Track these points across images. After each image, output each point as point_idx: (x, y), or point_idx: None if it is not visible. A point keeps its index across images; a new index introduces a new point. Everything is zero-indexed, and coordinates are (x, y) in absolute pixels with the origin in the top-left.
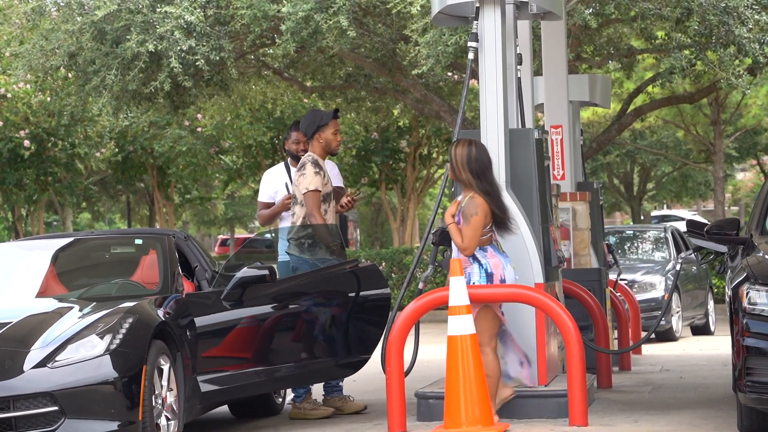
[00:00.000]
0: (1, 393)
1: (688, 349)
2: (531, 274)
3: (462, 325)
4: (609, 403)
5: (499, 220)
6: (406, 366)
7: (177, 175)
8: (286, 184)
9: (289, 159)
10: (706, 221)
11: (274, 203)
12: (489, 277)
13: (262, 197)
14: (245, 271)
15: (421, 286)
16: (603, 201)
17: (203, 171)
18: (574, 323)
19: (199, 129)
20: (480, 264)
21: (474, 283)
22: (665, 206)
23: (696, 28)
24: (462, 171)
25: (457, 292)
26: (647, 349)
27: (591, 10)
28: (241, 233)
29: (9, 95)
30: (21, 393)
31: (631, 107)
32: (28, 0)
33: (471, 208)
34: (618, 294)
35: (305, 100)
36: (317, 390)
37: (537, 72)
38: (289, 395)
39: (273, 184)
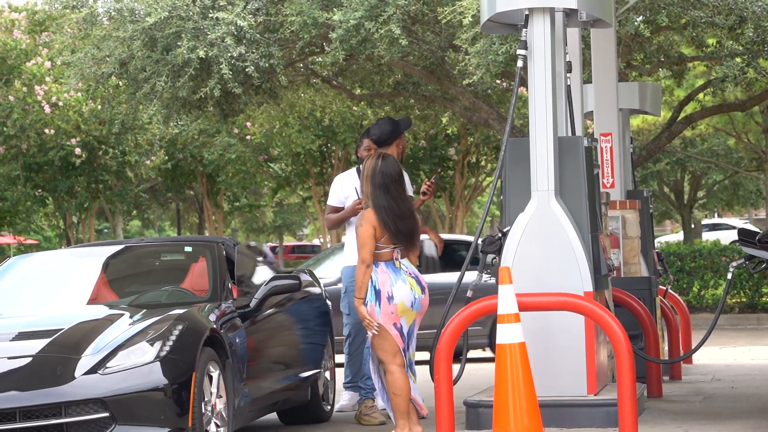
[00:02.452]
0: (53, 399)
1: (739, 358)
2: (580, 283)
3: (511, 333)
4: (659, 412)
5: (393, 237)
6: (454, 374)
7: (226, 182)
8: (356, 188)
9: (361, 165)
10: (757, 230)
11: (343, 208)
12: (377, 293)
13: (332, 201)
14: (276, 281)
15: (469, 294)
16: (653, 209)
17: (252, 179)
18: (624, 332)
19: (248, 137)
20: (370, 282)
21: (367, 303)
22: (716, 214)
23: (750, 35)
24: (363, 183)
25: (506, 299)
26: (698, 358)
27: (642, 18)
28: (289, 241)
29: (61, 104)
30: (72, 399)
31: (682, 115)
32: (80, 9)
33: (358, 220)
34: (668, 302)
35: (354, 108)
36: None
37: (587, 80)
38: (344, 400)
39: (344, 189)
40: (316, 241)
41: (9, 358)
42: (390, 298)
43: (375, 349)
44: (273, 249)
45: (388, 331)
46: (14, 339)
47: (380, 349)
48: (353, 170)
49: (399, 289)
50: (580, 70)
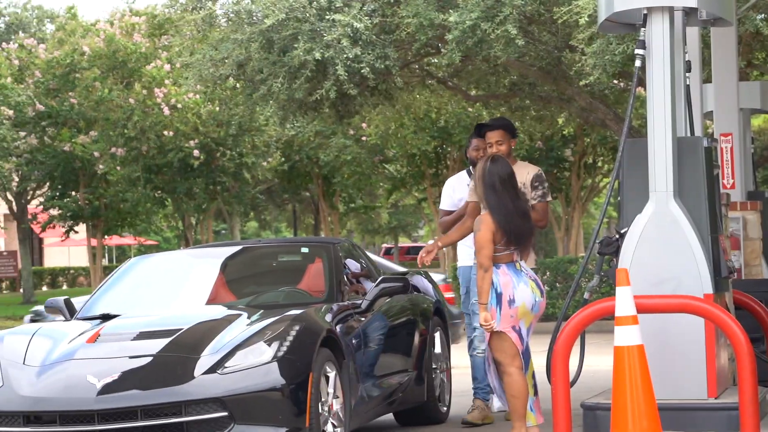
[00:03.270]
0: (173, 398)
1: None
2: (699, 285)
3: (629, 335)
4: None
5: (510, 239)
6: (571, 376)
7: (342, 184)
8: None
9: (471, 167)
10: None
11: (454, 211)
12: (498, 297)
13: (444, 205)
14: (385, 283)
15: (586, 296)
16: None
17: (367, 180)
18: (745, 335)
19: (363, 138)
20: (493, 283)
21: (488, 305)
22: None
23: None
24: (477, 185)
25: (624, 302)
26: None
27: (763, 16)
28: (404, 242)
29: (180, 106)
30: (192, 398)
31: None
32: (198, 11)
33: (476, 225)
34: None
35: (469, 109)
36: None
37: (706, 79)
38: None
39: (456, 191)
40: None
41: (130, 357)
42: (511, 302)
43: (493, 351)
44: (388, 250)
45: (508, 335)
46: (135, 339)
47: (499, 351)
48: (463, 172)
49: (521, 292)
50: (700, 69)
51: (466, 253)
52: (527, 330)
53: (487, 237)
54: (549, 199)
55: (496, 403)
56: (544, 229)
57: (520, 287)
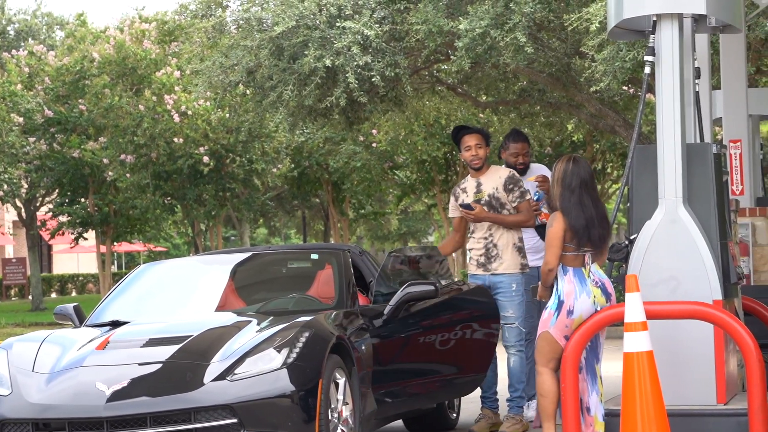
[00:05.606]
0: (182, 405)
1: None
2: (709, 291)
3: (638, 341)
4: None
5: (583, 241)
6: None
7: (351, 190)
8: (532, 191)
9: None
10: None
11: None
12: (560, 304)
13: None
14: (412, 287)
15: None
16: None
17: (377, 186)
18: (754, 341)
19: (373, 144)
20: (557, 288)
21: (548, 308)
22: None
23: None
24: (554, 185)
25: (634, 308)
26: None
27: None
28: None
29: (189, 112)
30: (201, 405)
31: None
32: (209, 18)
33: (549, 221)
34: None
35: (479, 116)
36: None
37: (716, 86)
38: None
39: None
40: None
41: (140, 364)
42: (570, 312)
43: (536, 350)
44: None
45: (557, 341)
46: (145, 345)
47: (539, 350)
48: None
49: (581, 304)
50: (709, 75)
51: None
52: (596, 340)
53: (557, 234)
54: (528, 197)
55: (528, 412)
56: (532, 227)
57: (582, 298)
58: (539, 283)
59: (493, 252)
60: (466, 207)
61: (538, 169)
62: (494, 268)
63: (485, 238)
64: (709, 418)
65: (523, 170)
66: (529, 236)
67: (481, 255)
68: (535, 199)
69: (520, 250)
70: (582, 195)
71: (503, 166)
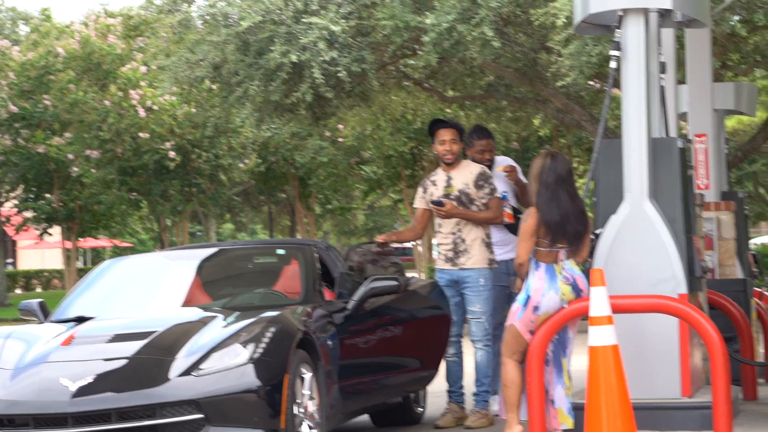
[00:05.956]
0: (148, 400)
1: None
2: (674, 285)
3: (604, 335)
4: (755, 415)
5: (557, 237)
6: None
7: (318, 185)
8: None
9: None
10: None
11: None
12: (527, 300)
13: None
14: (375, 282)
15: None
16: (748, 211)
17: (343, 181)
18: (719, 334)
19: (339, 140)
20: (527, 283)
21: (517, 301)
22: None
23: None
24: (531, 181)
25: (599, 302)
26: None
27: (738, 18)
28: None
29: (155, 108)
30: (167, 400)
31: None
32: (174, 13)
33: (523, 217)
34: (764, 305)
35: (446, 110)
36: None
37: (681, 80)
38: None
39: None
40: (407, 244)
41: (105, 360)
42: (536, 308)
43: (503, 341)
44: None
45: (522, 335)
46: (110, 341)
47: (505, 341)
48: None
49: (548, 300)
50: (675, 70)
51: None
52: (565, 334)
53: (530, 230)
54: (498, 194)
55: (494, 406)
56: (501, 224)
57: (549, 295)
58: (516, 276)
59: (462, 247)
60: (437, 203)
61: (503, 161)
62: (462, 263)
63: (453, 233)
64: (674, 411)
65: (490, 165)
66: (497, 229)
67: (449, 250)
68: (500, 197)
69: (488, 246)
70: (558, 191)
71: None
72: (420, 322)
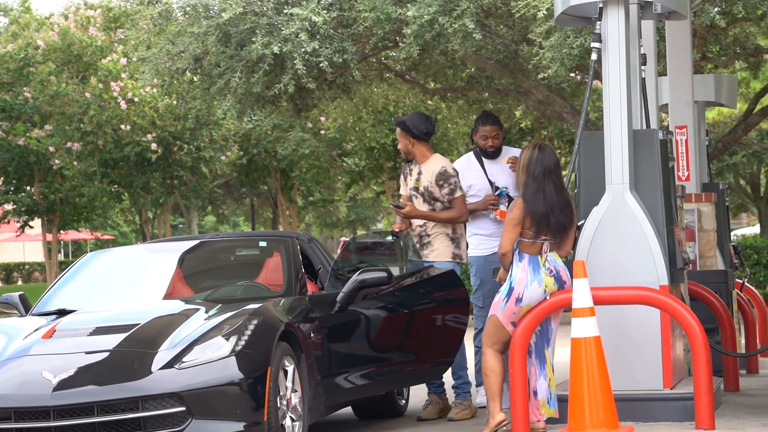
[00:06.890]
0: (130, 393)
1: None
2: (655, 276)
3: (586, 327)
4: (736, 406)
5: (542, 229)
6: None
7: (300, 177)
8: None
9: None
10: None
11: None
12: (510, 291)
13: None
14: (364, 274)
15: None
16: (729, 202)
17: (326, 173)
18: (700, 325)
19: (321, 132)
20: (510, 274)
21: (500, 292)
22: None
23: None
24: (519, 173)
25: (581, 293)
26: None
27: (717, 9)
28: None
29: (136, 100)
30: (149, 393)
31: (758, 107)
32: (155, 4)
33: (510, 207)
34: (745, 296)
35: (428, 102)
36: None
37: (661, 72)
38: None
39: (465, 178)
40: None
41: (87, 353)
42: (519, 300)
43: (484, 331)
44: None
45: (504, 326)
46: (92, 334)
47: (487, 331)
48: (470, 155)
49: (531, 292)
50: (655, 62)
51: (478, 241)
52: (547, 325)
53: (514, 220)
54: (459, 193)
55: (477, 398)
56: (465, 222)
57: (532, 287)
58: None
59: (425, 240)
60: (397, 206)
61: (510, 152)
62: (425, 255)
63: (420, 226)
64: (656, 402)
65: (495, 153)
66: (492, 221)
67: (417, 242)
68: (496, 194)
69: (453, 240)
70: (544, 183)
71: (475, 148)
72: (415, 314)
